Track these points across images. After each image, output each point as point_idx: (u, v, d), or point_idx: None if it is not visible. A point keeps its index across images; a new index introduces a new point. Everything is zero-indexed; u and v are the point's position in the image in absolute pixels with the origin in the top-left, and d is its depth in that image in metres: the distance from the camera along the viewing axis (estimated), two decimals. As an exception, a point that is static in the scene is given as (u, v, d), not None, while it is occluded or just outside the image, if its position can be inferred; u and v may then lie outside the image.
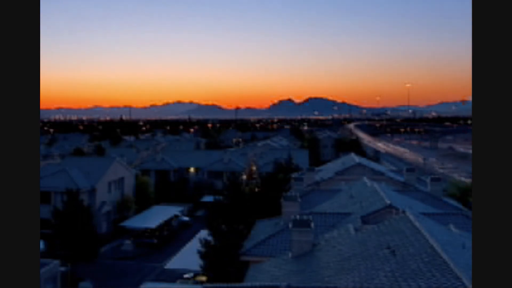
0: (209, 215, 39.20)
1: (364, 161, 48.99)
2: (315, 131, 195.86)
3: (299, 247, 18.38)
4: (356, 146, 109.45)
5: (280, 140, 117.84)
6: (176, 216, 56.79)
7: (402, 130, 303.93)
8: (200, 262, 30.40)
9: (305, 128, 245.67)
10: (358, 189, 29.91)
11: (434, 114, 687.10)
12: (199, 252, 30.67)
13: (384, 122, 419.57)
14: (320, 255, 17.41)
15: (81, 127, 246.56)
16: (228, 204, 38.20)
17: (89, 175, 52.74)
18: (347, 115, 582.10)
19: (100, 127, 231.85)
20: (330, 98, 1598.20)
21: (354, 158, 48.61)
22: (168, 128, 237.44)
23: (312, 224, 18.96)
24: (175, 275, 35.71)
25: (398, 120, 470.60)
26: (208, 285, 13.44)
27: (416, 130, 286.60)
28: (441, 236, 15.62)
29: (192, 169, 75.95)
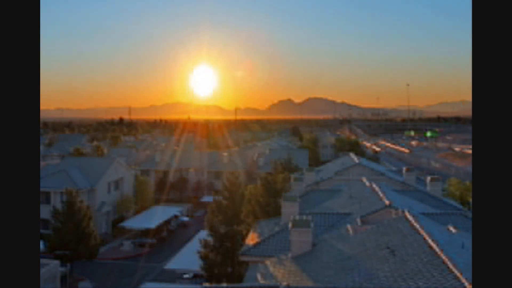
0: (208, 215, 39.22)
1: (363, 161, 48.97)
2: (314, 131, 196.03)
3: (298, 247, 18.37)
4: (356, 146, 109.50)
5: (280, 140, 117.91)
6: (175, 216, 56.82)
7: (402, 129, 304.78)
8: (200, 262, 30.40)
9: (305, 128, 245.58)
10: (357, 189, 29.89)
11: (433, 114, 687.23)
12: (198, 252, 30.68)
13: (384, 122, 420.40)
14: (319, 255, 17.41)
15: (80, 127, 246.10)
16: (228, 204, 38.22)
17: (89, 175, 52.74)
18: (347, 115, 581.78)
19: (100, 127, 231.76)
20: (330, 98, 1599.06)
21: (354, 158, 48.59)
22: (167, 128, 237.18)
23: (312, 224, 18.95)
24: (175, 275, 35.73)
25: (398, 119, 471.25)
26: (208, 285, 13.43)
27: (415, 129, 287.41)
28: (441, 236, 15.62)
29: (191, 169, 75.93)
